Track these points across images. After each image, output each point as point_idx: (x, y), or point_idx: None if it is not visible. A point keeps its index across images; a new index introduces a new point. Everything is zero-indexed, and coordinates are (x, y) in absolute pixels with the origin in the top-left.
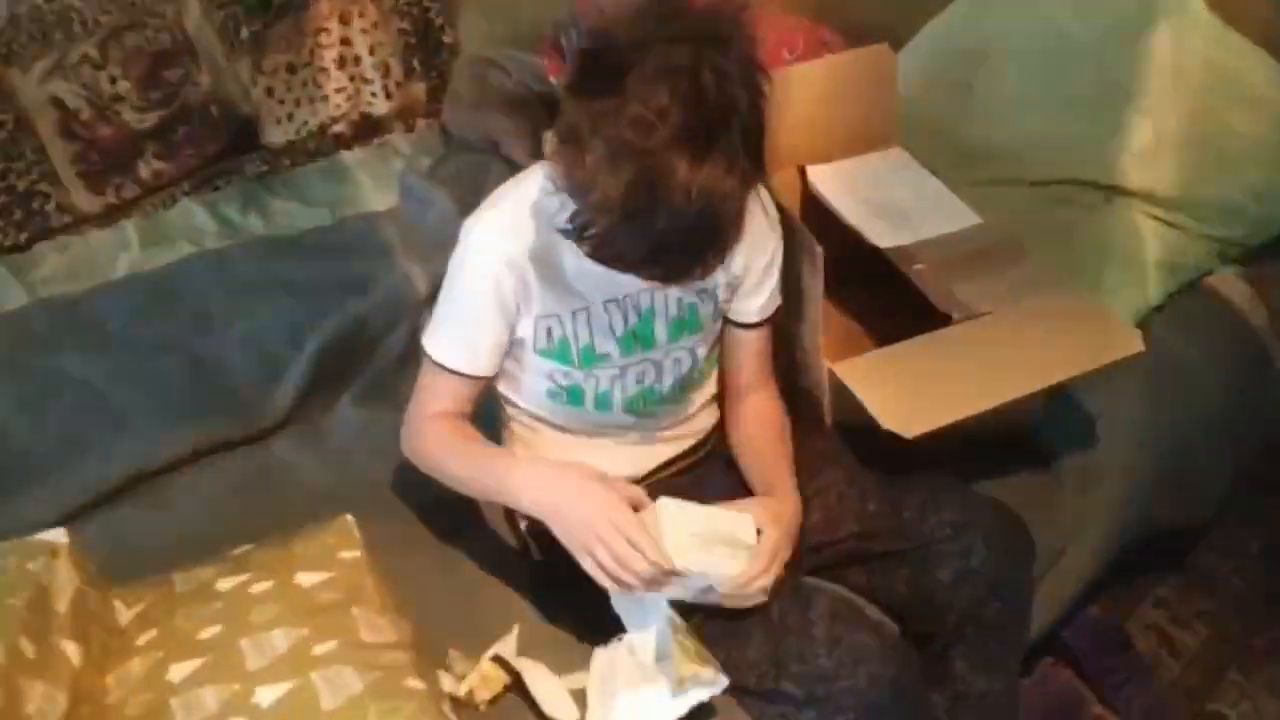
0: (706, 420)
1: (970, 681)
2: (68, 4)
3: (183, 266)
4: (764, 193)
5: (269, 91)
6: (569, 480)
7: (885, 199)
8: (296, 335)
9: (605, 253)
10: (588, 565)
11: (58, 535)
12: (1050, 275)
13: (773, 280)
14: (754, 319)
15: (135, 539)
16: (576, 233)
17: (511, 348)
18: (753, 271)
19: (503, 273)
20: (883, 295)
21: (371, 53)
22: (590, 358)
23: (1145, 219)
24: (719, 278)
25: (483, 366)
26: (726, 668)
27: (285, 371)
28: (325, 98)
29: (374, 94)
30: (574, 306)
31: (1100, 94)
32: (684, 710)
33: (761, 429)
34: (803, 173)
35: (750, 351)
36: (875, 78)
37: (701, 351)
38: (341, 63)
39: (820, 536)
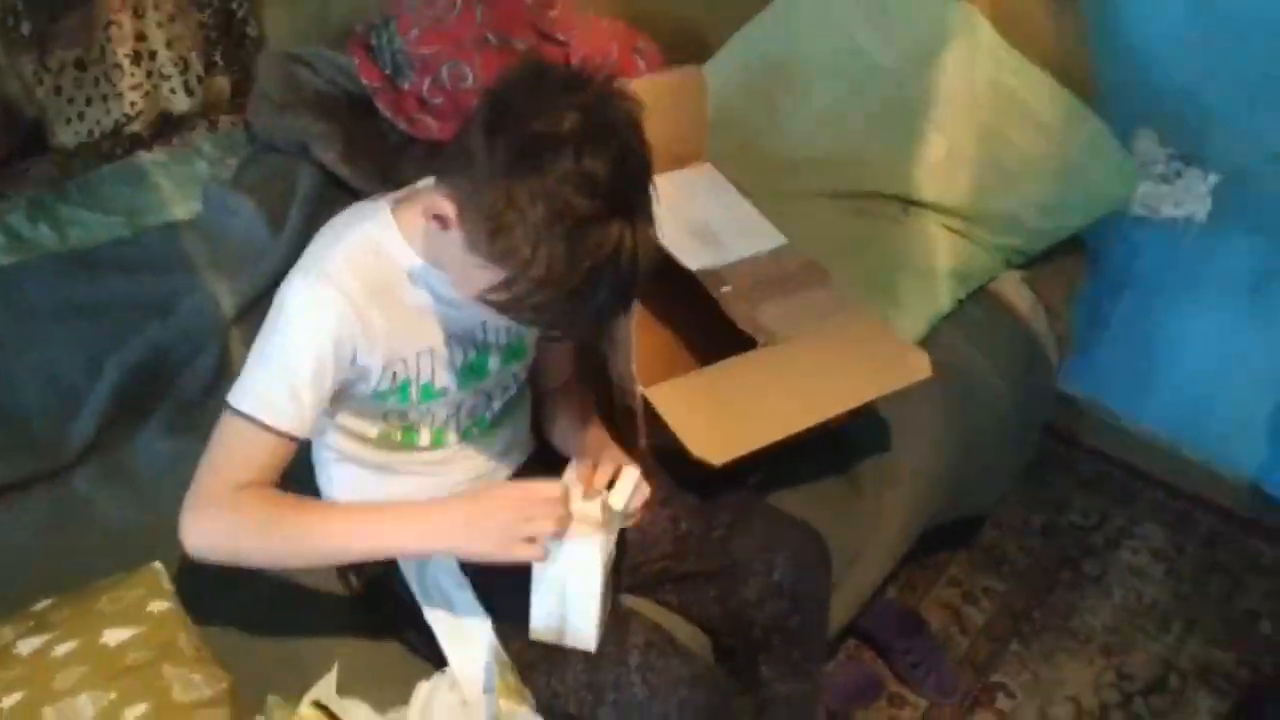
0: (523, 433)
1: (775, 687)
2: None
3: None
4: None
5: (56, 90)
6: (461, 502)
7: (695, 218)
8: (93, 363)
9: (543, 317)
10: (522, 553)
11: None
12: (850, 298)
13: None
14: None
15: None
16: (512, 303)
17: (337, 395)
18: None
19: (344, 323)
20: (702, 306)
21: (169, 46)
22: (429, 393)
23: (939, 229)
24: None
25: (307, 424)
26: (546, 694)
27: (83, 403)
28: (120, 95)
29: (173, 90)
30: (419, 348)
31: (897, 111)
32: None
33: (578, 412)
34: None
35: (559, 357)
36: (687, 97)
37: (523, 374)
38: (136, 58)
39: (636, 556)
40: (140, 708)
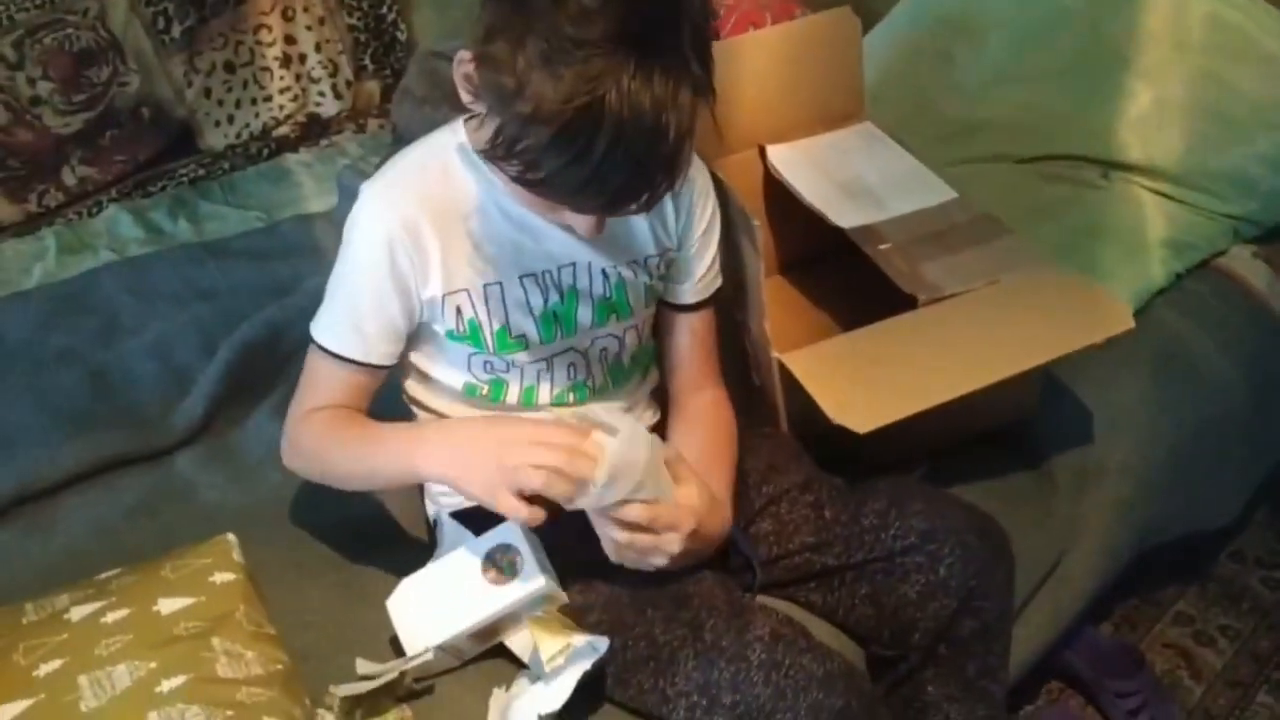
0: (648, 420)
1: (946, 710)
2: None
3: (94, 275)
4: (704, 167)
5: (206, 93)
6: (474, 423)
7: (851, 177)
8: (208, 343)
9: (538, 173)
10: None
11: None
12: (1030, 251)
13: (711, 250)
14: (693, 298)
15: (10, 567)
16: (503, 149)
17: (418, 337)
18: (689, 239)
19: (396, 240)
20: (855, 282)
21: (318, 50)
22: (505, 342)
23: (1148, 194)
24: (651, 245)
25: (374, 353)
26: (654, 697)
27: (194, 383)
28: (269, 98)
29: (322, 94)
30: (484, 280)
31: (1093, 61)
32: (571, 684)
33: (706, 435)
34: (763, 152)
35: (691, 341)
36: (838, 45)
37: (630, 340)
38: (285, 61)
39: (772, 548)
40: (178, 680)
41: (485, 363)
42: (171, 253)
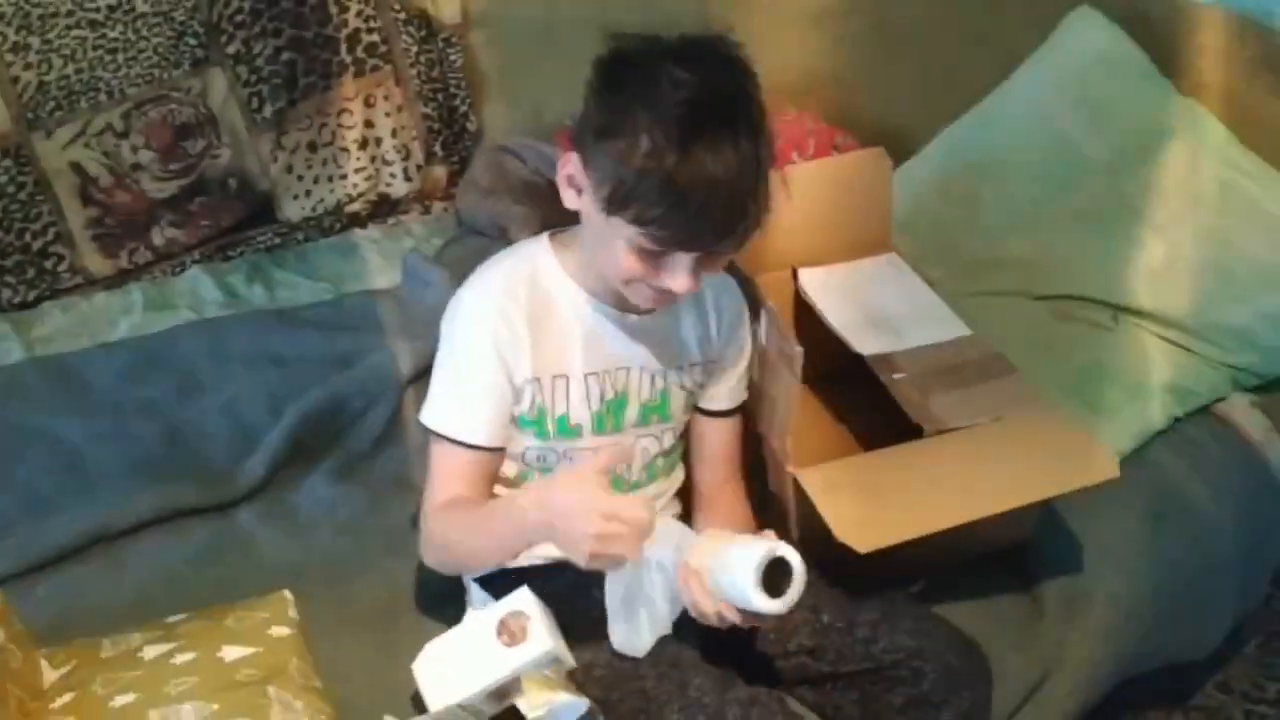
0: (671, 513)
1: None
2: (96, 75)
3: (177, 333)
4: (738, 296)
5: (289, 168)
6: (558, 480)
7: (874, 305)
8: (275, 407)
9: (657, 208)
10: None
11: None
12: (1032, 393)
13: (743, 365)
14: (724, 405)
15: (87, 600)
16: (622, 197)
17: None
18: (728, 354)
19: (497, 331)
20: (868, 394)
21: (394, 135)
22: (564, 429)
23: (1154, 340)
24: (697, 355)
25: (486, 434)
26: None
27: (260, 442)
28: (344, 177)
29: (393, 175)
30: (555, 372)
31: (1111, 210)
32: None
33: (723, 514)
34: (794, 273)
35: (720, 443)
36: (871, 181)
37: (668, 441)
38: (363, 144)
39: (771, 647)
40: None
41: (539, 455)
42: (246, 317)
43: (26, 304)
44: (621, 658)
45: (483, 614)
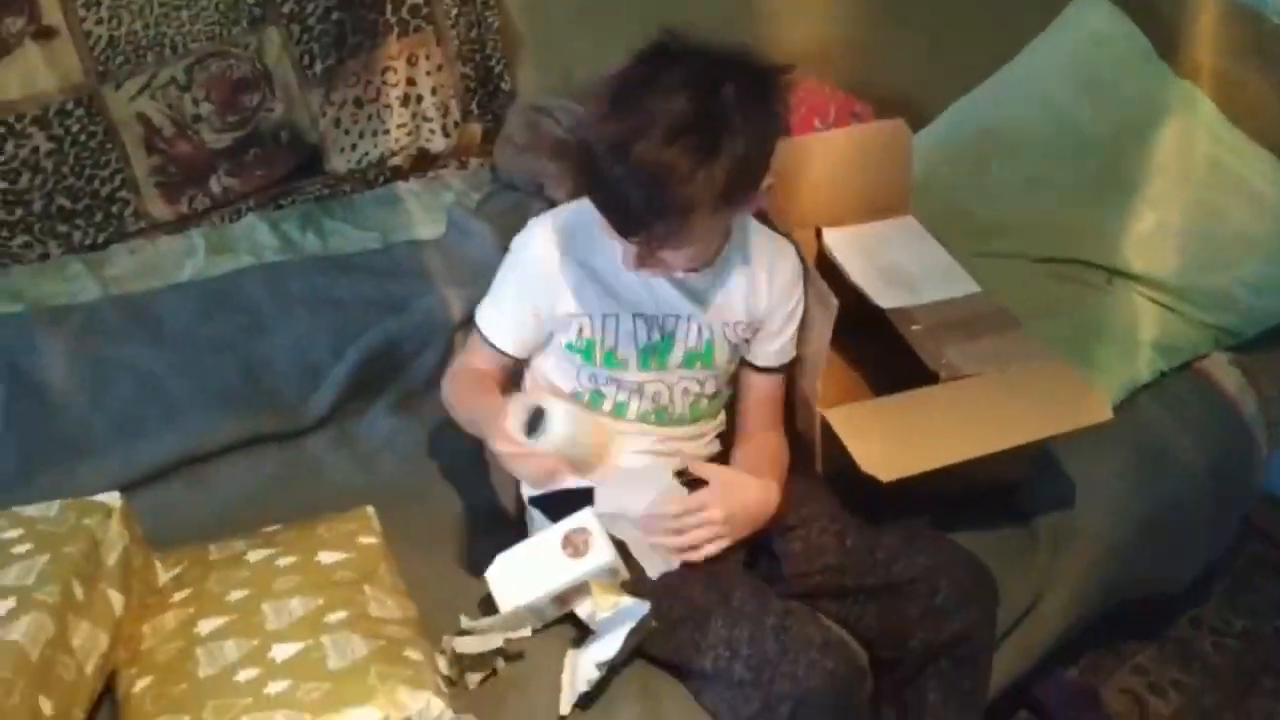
0: (710, 450)
1: (940, 713)
2: (161, 30)
3: (242, 276)
4: (795, 250)
5: (336, 122)
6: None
7: (892, 263)
8: (338, 346)
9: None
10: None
11: (112, 498)
12: (1037, 345)
13: (792, 329)
14: (769, 363)
15: (178, 514)
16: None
17: (544, 347)
18: (776, 316)
19: (547, 263)
20: (884, 346)
21: (434, 93)
22: (611, 361)
23: (1144, 301)
24: (741, 314)
25: (506, 342)
26: (689, 648)
27: (325, 378)
28: (387, 132)
29: (433, 131)
30: (605, 310)
31: (1106, 182)
32: (622, 638)
33: (759, 449)
34: (818, 233)
35: (761, 396)
36: (891, 150)
37: (709, 386)
38: (405, 100)
39: (799, 565)
40: (341, 614)
41: (591, 375)
42: (303, 262)
43: (96, 245)
44: (671, 573)
45: (549, 530)
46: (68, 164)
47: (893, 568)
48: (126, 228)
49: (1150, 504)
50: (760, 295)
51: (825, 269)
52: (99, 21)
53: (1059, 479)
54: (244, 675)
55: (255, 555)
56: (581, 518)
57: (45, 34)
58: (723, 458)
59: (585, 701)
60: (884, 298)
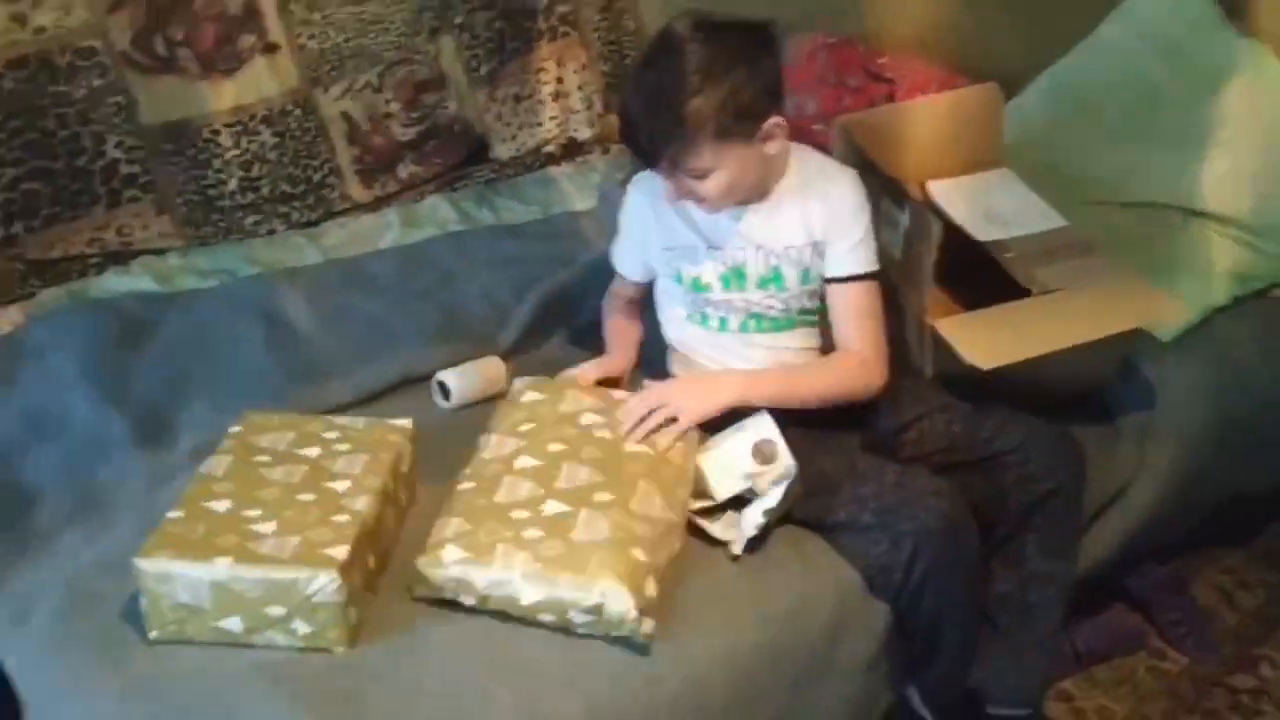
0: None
1: (1036, 563)
2: (359, 43)
3: (431, 243)
4: (853, 176)
5: (499, 116)
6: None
7: (988, 206)
8: (518, 292)
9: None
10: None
11: (406, 423)
12: (1117, 264)
13: (850, 240)
14: (837, 273)
15: (424, 412)
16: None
17: (656, 283)
18: (836, 234)
19: (642, 208)
20: (981, 294)
21: (580, 89)
22: (698, 286)
23: (1219, 237)
24: (801, 238)
25: (625, 268)
26: (823, 509)
27: (510, 317)
28: (541, 124)
29: (579, 122)
30: (687, 244)
31: (1183, 132)
32: (780, 494)
33: (814, 360)
34: (923, 187)
35: (839, 305)
36: (986, 110)
37: (793, 304)
38: (556, 96)
39: (913, 450)
40: (606, 496)
41: (689, 298)
42: (480, 231)
43: (311, 223)
44: (805, 453)
45: (736, 439)
46: (288, 155)
47: (992, 443)
48: (333, 207)
49: (1226, 408)
50: (815, 217)
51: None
52: (311, 37)
53: (1141, 385)
54: (518, 514)
55: (587, 419)
56: (763, 429)
57: (270, 49)
58: None
59: (751, 546)
60: (981, 233)
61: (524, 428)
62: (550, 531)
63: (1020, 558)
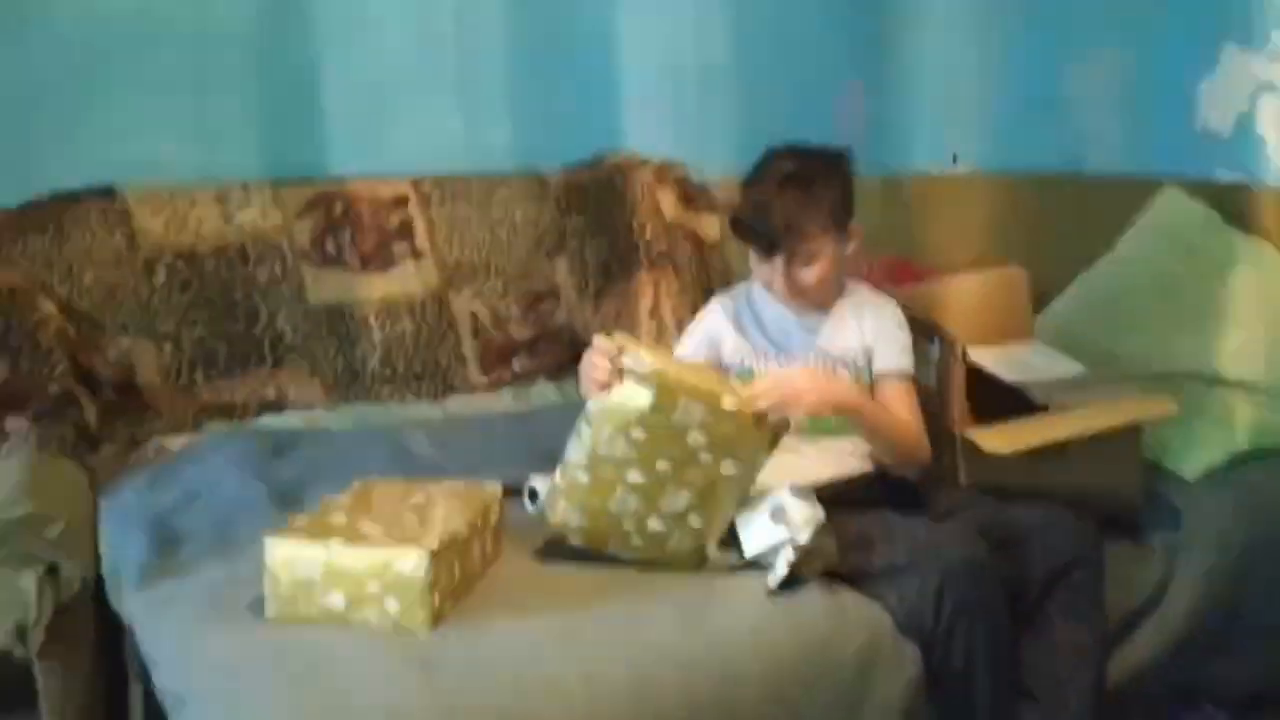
0: (862, 464)
1: (1064, 632)
2: (489, 258)
3: (535, 411)
4: (893, 301)
5: (602, 327)
6: None
7: (1019, 361)
8: None
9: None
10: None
11: (497, 486)
12: (1126, 388)
13: (893, 346)
14: (884, 368)
15: None
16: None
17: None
18: (880, 341)
19: (715, 322)
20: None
21: (673, 313)
22: None
23: (1240, 400)
24: (854, 344)
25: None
26: (858, 562)
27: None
28: (638, 338)
29: (673, 339)
30: (758, 349)
31: (1200, 313)
32: (809, 534)
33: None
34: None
35: (889, 395)
36: (1009, 290)
37: None
38: (651, 314)
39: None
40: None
41: None
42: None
43: (436, 396)
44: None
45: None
46: (422, 341)
47: (1017, 525)
48: (455, 387)
49: (1252, 530)
50: (867, 329)
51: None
52: (450, 249)
53: (1169, 510)
54: (626, 525)
55: (693, 439)
56: (782, 498)
57: (417, 254)
58: (881, 482)
59: (784, 586)
60: (1010, 376)
61: (635, 434)
62: (649, 545)
63: (1047, 628)
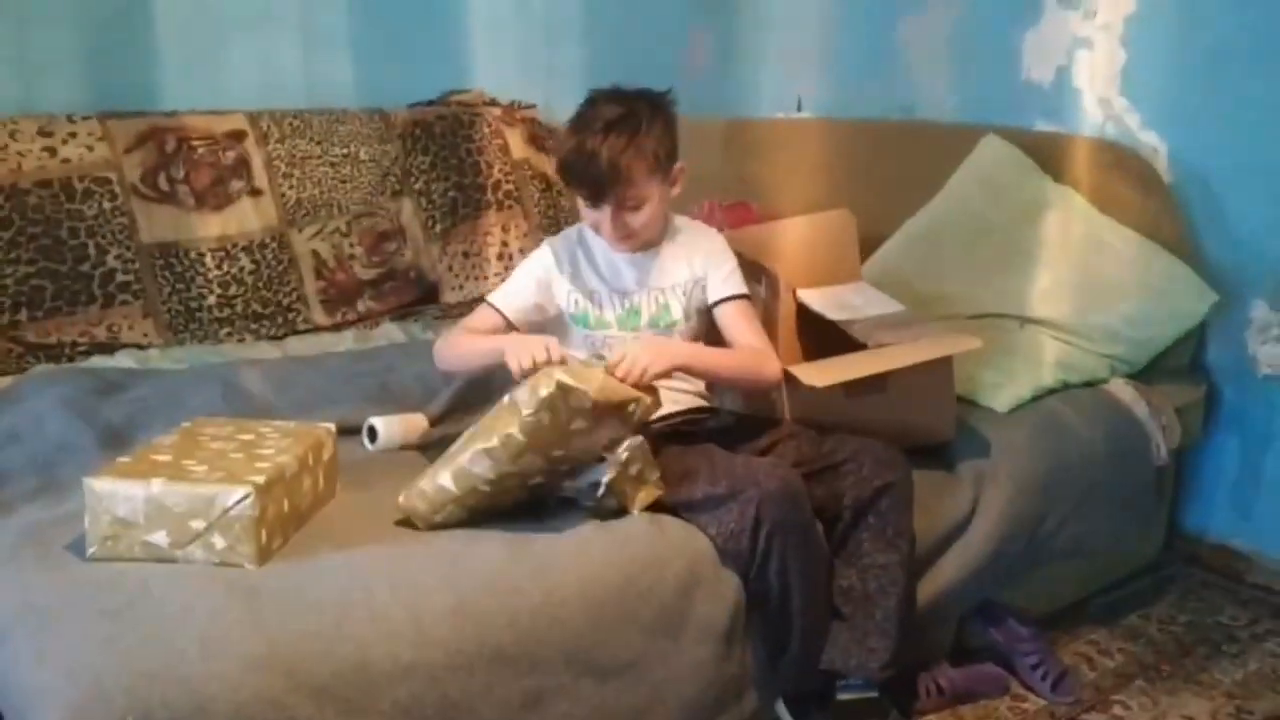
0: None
1: (873, 556)
2: (331, 195)
3: (381, 350)
4: (716, 231)
5: (449, 268)
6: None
7: (844, 301)
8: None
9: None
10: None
11: (330, 425)
12: (940, 326)
13: (721, 271)
14: (721, 295)
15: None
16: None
17: (558, 323)
18: (709, 269)
19: (547, 260)
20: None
21: (521, 251)
22: (602, 323)
23: (1048, 338)
24: (683, 277)
25: (509, 308)
26: (684, 494)
27: (438, 394)
28: (486, 278)
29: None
30: (591, 289)
31: (1010, 256)
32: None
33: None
34: (794, 293)
35: (728, 319)
36: (838, 232)
37: (684, 336)
38: (499, 256)
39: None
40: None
41: (588, 339)
42: (423, 342)
43: (277, 337)
44: (673, 448)
45: None
46: (262, 280)
47: (831, 455)
48: (297, 328)
49: (1053, 458)
50: (696, 262)
51: (801, 320)
52: (290, 187)
53: (977, 440)
54: None
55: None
56: None
57: (255, 193)
58: (709, 416)
59: (609, 516)
60: (834, 315)
61: (555, 453)
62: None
63: (858, 552)
